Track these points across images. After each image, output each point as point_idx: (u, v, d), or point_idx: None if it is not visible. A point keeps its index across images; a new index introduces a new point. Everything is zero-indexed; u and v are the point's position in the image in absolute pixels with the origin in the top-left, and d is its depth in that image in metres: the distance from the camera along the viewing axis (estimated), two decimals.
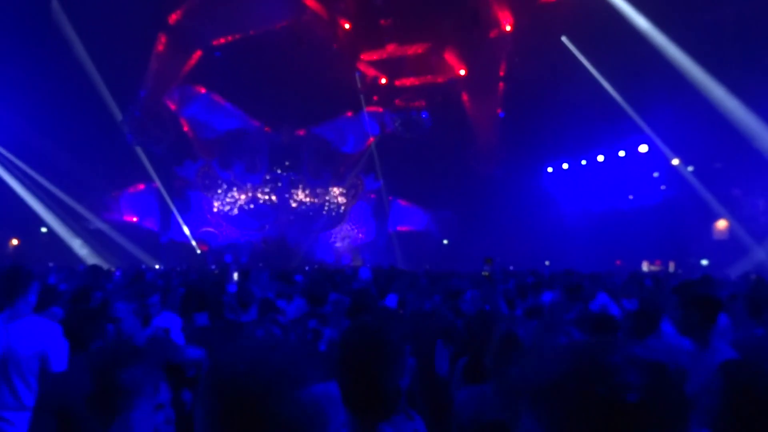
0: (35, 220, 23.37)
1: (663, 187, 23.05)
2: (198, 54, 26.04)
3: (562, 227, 24.42)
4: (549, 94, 21.76)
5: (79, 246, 24.05)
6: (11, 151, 22.33)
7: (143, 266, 19.81)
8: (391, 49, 26.62)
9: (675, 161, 21.86)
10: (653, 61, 19.15)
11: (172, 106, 26.18)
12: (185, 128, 26.88)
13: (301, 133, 28.36)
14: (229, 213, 27.87)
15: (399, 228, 29.21)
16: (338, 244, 29.08)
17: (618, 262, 21.55)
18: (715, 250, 20.34)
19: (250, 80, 24.71)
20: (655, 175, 23.20)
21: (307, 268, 20.14)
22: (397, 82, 28.10)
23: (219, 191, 27.74)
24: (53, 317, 4.18)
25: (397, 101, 27.83)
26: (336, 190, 29.05)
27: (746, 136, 18.07)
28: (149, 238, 26.12)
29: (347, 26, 26.64)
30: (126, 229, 25.50)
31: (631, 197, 23.92)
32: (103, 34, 20.75)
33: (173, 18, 24.70)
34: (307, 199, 28.73)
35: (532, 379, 0.89)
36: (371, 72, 28.18)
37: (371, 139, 28.60)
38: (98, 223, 24.89)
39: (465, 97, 28.02)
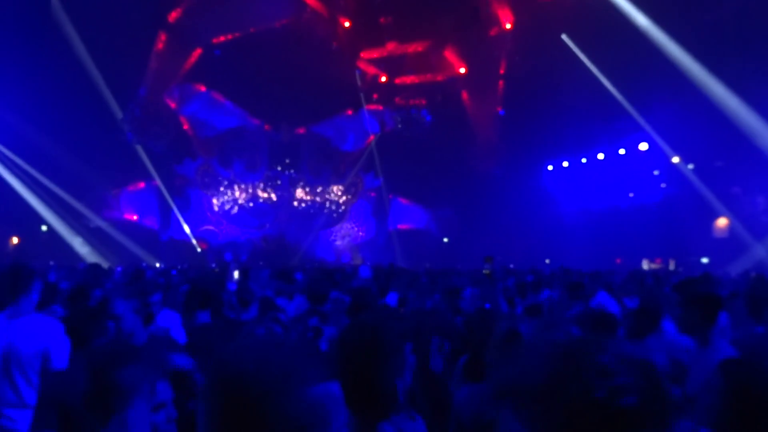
0: (35, 218, 23.37)
1: (663, 185, 23.05)
2: (198, 52, 26.04)
3: (562, 225, 24.42)
4: (549, 92, 21.75)
5: (79, 244, 24.06)
6: (11, 149, 22.33)
7: (143, 264, 19.82)
8: (391, 47, 26.63)
9: (675, 159, 21.85)
10: (653, 60, 19.14)
11: (172, 105, 26.17)
12: (185, 126, 26.87)
13: (301, 131, 28.36)
14: (229, 211, 27.87)
15: (399, 226, 29.21)
16: (338, 243, 29.09)
17: (618, 261, 21.55)
18: (716, 248, 20.34)
19: (250, 78, 24.70)
20: (656, 173, 23.20)
21: (307, 266, 20.14)
22: (397, 80, 28.10)
23: (219, 189, 27.75)
24: (53, 315, 4.19)
25: (397, 99, 27.85)
26: (336, 189, 29.05)
27: (746, 134, 18.08)
28: (149, 236, 26.13)
29: (347, 24, 26.63)
30: (126, 227, 25.51)
31: (631, 195, 23.92)
32: (103, 32, 20.76)
33: (173, 16, 24.70)
34: (307, 198, 28.73)
35: (520, 380, 0.86)
36: (371, 70, 28.17)
37: (371, 137, 28.59)
38: (98, 222, 24.91)
39: (465, 95, 28.02)
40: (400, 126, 27.21)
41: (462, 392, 2.93)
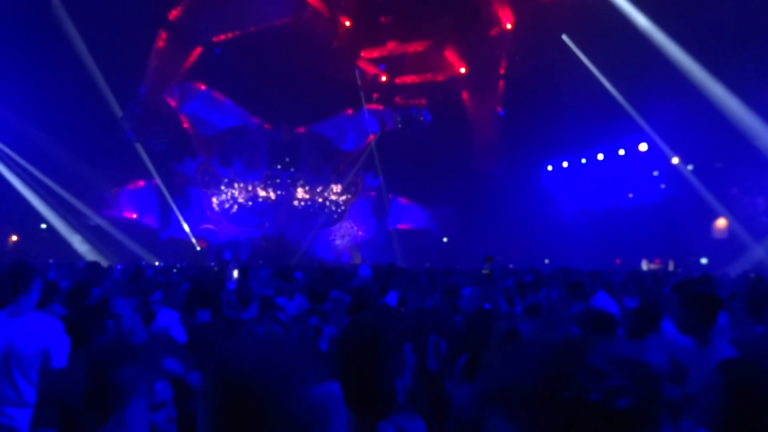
0: (35, 216, 23.38)
1: (663, 186, 23.05)
2: (198, 51, 26.04)
3: (561, 225, 24.43)
4: (549, 92, 21.76)
5: (78, 242, 24.06)
6: (11, 147, 22.33)
7: (143, 263, 19.81)
8: (391, 46, 26.64)
9: (675, 160, 21.86)
10: (653, 60, 19.14)
11: (172, 103, 26.16)
12: (185, 125, 26.87)
13: (301, 130, 28.35)
14: (229, 210, 27.86)
15: (399, 226, 29.21)
16: (338, 242, 29.08)
17: (618, 261, 21.56)
18: (715, 249, 20.34)
19: (250, 77, 24.70)
20: (655, 173, 23.20)
21: (306, 265, 20.13)
22: (398, 80, 28.10)
23: (219, 188, 27.74)
24: (53, 314, 4.19)
25: (397, 99, 27.85)
26: (336, 188, 29.05)
27: (746, 134, 18.08)
28: (149, 234, 26.13)
29: (348, 23, 26.63)
30: (126, 225, 25.50)
31: (630, 196, 23.92)
32: (103, 30, 20.76)
33: (173, 14, 24.69)
34: (307, 197, 28.73)
35: (512, 383, 0.84)
36: (371, 69, 28.16)
37: (371, 136, 28.59)
38: (98, 220, 24.91)
39: (465, 95, 28.03)
40: (400, 126, 27.21)
41: (462, 392, 2.93)
